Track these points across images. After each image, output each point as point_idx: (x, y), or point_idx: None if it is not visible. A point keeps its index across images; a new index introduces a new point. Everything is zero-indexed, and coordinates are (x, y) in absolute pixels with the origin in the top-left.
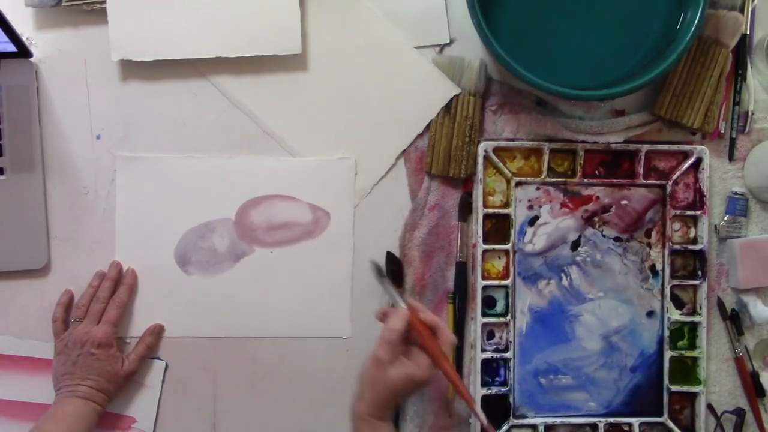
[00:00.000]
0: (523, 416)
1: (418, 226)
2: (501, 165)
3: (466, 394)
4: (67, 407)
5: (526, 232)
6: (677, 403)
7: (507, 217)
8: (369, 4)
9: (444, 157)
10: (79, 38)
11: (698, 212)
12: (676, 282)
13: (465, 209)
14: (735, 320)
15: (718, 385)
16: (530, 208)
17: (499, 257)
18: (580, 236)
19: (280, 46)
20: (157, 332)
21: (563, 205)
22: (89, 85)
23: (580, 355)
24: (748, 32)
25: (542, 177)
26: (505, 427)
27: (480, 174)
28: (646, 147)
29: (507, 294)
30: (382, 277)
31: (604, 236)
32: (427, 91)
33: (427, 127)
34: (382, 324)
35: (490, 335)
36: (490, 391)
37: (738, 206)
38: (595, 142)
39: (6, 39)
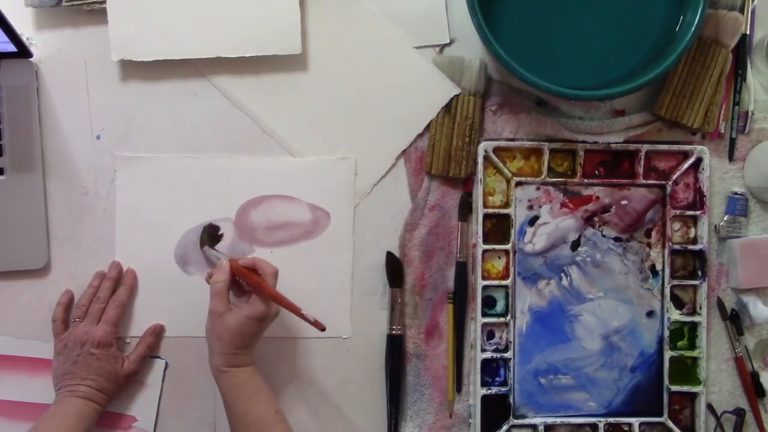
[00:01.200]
0: (523, 416)
1: (418, 226)
2: (501, 165)
3: (289, 304)
4: (67, 407)
5: (526, 232)
6: (677, 403)
7: (507, 217)
8: (369, 4)
9: (444, 157)
10: (79, 38)
11: (698, 212)
12: (676, 282)
13: (465, 209)
14: (735, 320)
15: (718, 385)
16: (530, 208)
17: (499, 257)
18: (580, 236)
19: (280, 46)
20: (157, 332)
21: (563, 205)
22: (89, 85)
23: (580, 355)
24: (748, 32)
25: (542, 177)
26: (505, 427)
27: (480, 174)
28: (646, 147)
29: (507, 294)
30: (202, 247)
31: (604, 236)
32: (427, 91)
33: (427, 127)
34: (263, 297)
35: (490, 335)
36: (490, 391)
37: (738, 206)
38: (595, 142)
39: (6, 39)
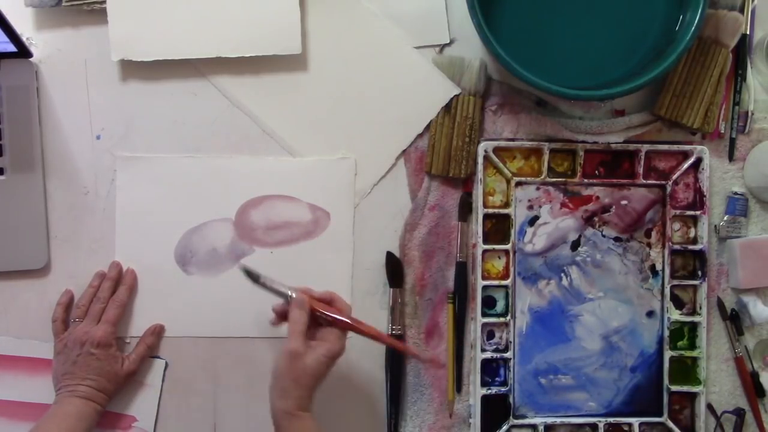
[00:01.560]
0: (523, 416)
1: (418, 226)
2: (501, 165)
3: (391, 341)
4: (68, 407)
5: (526, 232)
6: (677, 403)
7: (507, 217)
8: (369, 4)
9: (444, 157)
10: (79, 38)
11: (698, 212)
12: (676, 282)
13: (465, 209)
14: (735, 320)
15: (718, 385)
16: (530, 208)
17: (499, 257)
18: (580, 236)
19: (280, 46)
20: (157, 332)
21: (563, 205)
22: (89, 85)
23: (580, 355)
24: (748, 32)
25: (542, 177)
26: (505, 427)
27: (480, 174)
28: (646, 147)
29: (507, 294)
30: (258, 282)
31: (604, 236)
32: (427, 91)
33: (427, 127)
34: (292, 321)
35: (490, 335)
36: (490, 391)
37: (738, 206)
38: (595, 142)
39: (6, 39)
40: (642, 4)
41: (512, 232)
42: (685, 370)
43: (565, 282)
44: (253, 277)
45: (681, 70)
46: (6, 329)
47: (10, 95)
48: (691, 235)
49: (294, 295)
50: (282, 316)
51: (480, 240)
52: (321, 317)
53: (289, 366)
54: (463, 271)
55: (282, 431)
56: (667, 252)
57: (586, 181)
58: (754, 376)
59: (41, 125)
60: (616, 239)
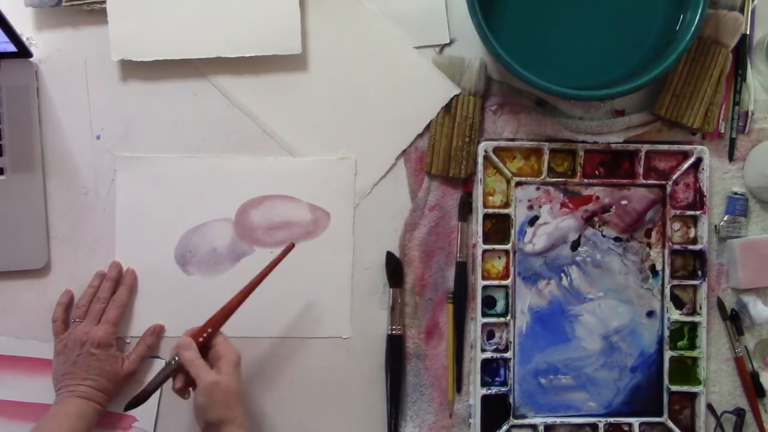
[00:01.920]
0: (523, 416)
1: (418, 226)
2: (501, 165)
3: (258, 279)
4: (68, 407)
5: (526, 232)
6: (677, 403)
7: (507, 217)
8: (369, 4)
9: (444, 157)
10: (79, 38)
11: (698, 212)
12: (676, 282)
13: (465, 209)
14: (735, 320)
15: (718, 385)
16: (530, 208)
17: (499, 257)
18: (580, 236)
19: (280, 46)
20: (157, 332)
21: (563, 205)
22: (89, 85)
23: (580, 355)
24: (748, 32)
25: (542, 177)
26: (505, 427)
27: (480, 174)
28: (646, 147)
29: (507, 294)
30: (148, 391)
31: (604, 236)
32: (427, 91)
33: (427, 127)
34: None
35: (490, 335)
36: (490, 391)
37: (738, 206)
38: (595, 142)
39: (6, 39)
40: (642, 4)
41: (512, 232)
42: (685, 370)
43: (565, 282)
44: (141, 398)
45: (681, 70)
46: (6, 329)
47: (10, 95)
48: (691, 235)
49: (176, 358)
50: (181, 386)
51: (480, 240)
52: (204, 338)
53: (213, 398)
54: (463, 271)
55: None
56: (667, 252)
57: (586, 181)
58: (754, 376)
59: (41, 125)
60: (616, 239)
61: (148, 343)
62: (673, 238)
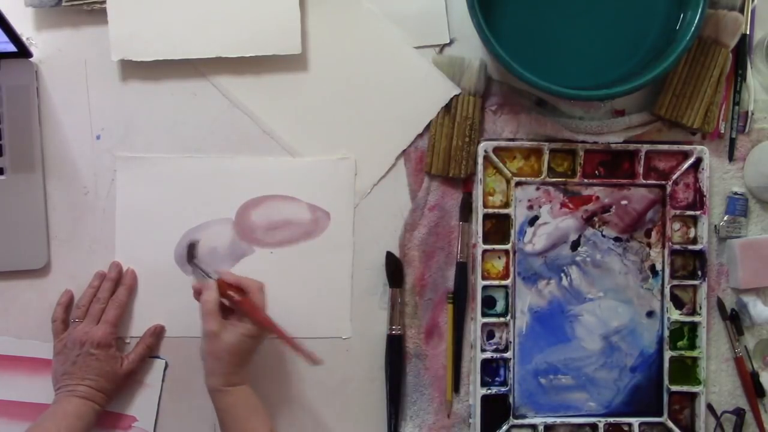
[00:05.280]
0: (523, 416)
1: (418, 226)
2: (501, 165)
3: (281, 333)
4: (67, 406)
5: (526, 232)
6: (677, 403)
7: (507, 217)
8: (369, 4)
9: (444, 157)
10: (79, 38)
11: (698, 212)
12: (676, 282)
13: (466, 210)
14: (735, 320)
15: (718, 385)
16: (530, 208)
17: (499, 257)
18: (580, 236)
19: (280, 46)
20: (157, 333)
21: (563, 205)
22: (89, 85)
23: (580, 355)
24: (748, 32)
25: (542, 177)
26: (505, 427)
27: (480, 174)
28: (646, 147)
29: (507, 294)
30: (191, 262)
31: (604, 236)
32: (427, 91)
33: (427, 127)
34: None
35: (490, 335)
36: (490, 391)
37: (738, 206)
38: (595, 142)
39: (6, 39)
40: (642, 4)
41: (512, 232)
42: (685, 370)
43: (565, 282)
44: (190, 255)
45: (681, 70)
46: (6, 329)
47: (10, 95)
48: (691, 235)
49: (211, 278)
50: (199, 293)
51: (480, 240)
52: (231, 295)
53: (208, 346)
54: (463, 271)
55: (216, 406)
56: (667, 252)
57: (586, 181)
58: (754, 376)
59: (41, 125)
60: (616, 239)
61: (148, 344)
62: (673, 238)
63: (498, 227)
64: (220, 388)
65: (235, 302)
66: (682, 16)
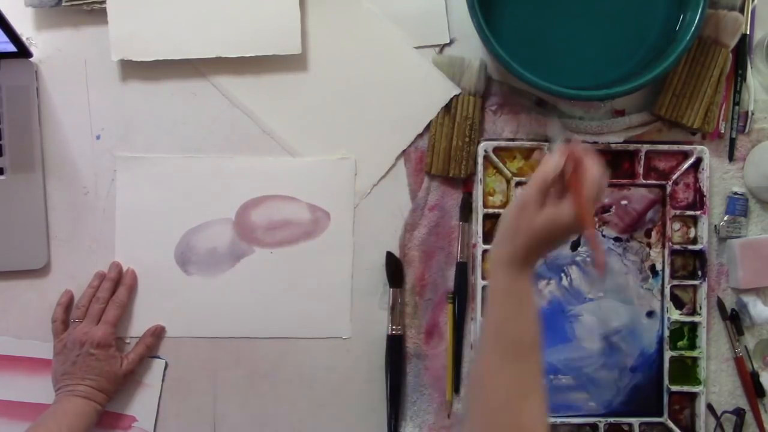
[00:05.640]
0: None
1: (418, 226)
2: (501, 165)
3: (594, 238)
4: (67, 405)
5: None
6: (677, 403)
7: None
8: (369, 4)
9: (444, 157)
10: (79, 38)
11: (698, 212)
12: (676, 282)
13: (466, 210)
14: (735, 320)
15: (718, 385)
16: None
17: None
18: (580, 236)
19: (280, 46)
20: (157, 333)
21: None
22: (89, 85)
23: (580, 355)
24: (748, 32)
25: None
26: None
27: (480, 174)
28: (646, 147)
29: None
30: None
31: (604, 236)
32: (427, 91)
33: (427, 127)
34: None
35: None
36: None
37: (738, 206)
38: (595, 142)
39: (6, 39)
40: (642, 4)
41: None
42: (685, 370)
43: (565, 282)
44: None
45: (681, 70)
46: (6, 329)
47: (10, 95)
48: (691, 235)
49: (559, 142)
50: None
51: (480, 240)
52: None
53: (514, 214)
54: (463, 271)
55: (490, 278)
56: (667, 252)
57: None
58: (754, 376)
59: (41, 125)
60: (616, 239)
61: (147, 344)
62: (673, 238)
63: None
64: (505, 266)
65: (568, 178)
66: (682, 16)
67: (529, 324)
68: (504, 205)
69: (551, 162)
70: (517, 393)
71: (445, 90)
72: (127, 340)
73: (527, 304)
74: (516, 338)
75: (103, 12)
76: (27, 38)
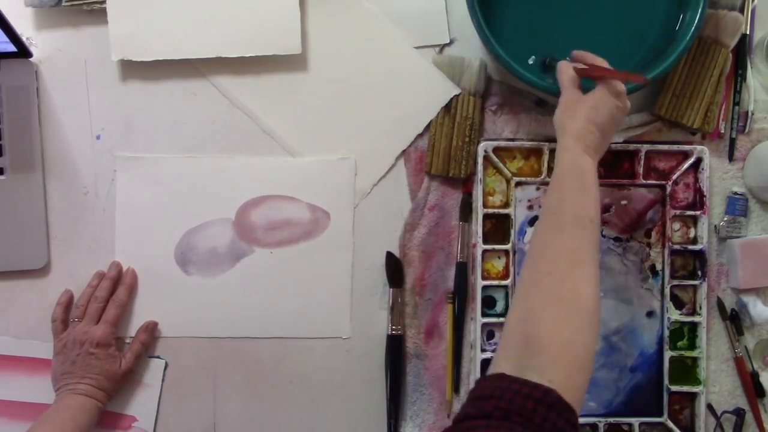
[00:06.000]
0: None
1: (418, 226)
2: (501, 165)
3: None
4: (69, 401)
5: (526, 232)
6: (677, 403)
7: (507, 217)
8: (369, 4)
9: (444, 157)
10: (79, 38)
11: (698, 212)
12: (676, 282)
13: (466, 210)
14: (735, 320)
15: (718, 385)
16: (530, 208)
17: (499, 257)
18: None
19: (280, 46)
20: (150, 329)
21: None
22: (89, 85)
23: None
24: (748, 32)
25: (542, 177)
26: None
27: (480, 174)
28: (646, 147)
29: (507, 294)
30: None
31: (604, 236)
32: (427, 91)
33: (427, 127)
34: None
35: (490, 335)
36: None
37: (738, 206)
38: None
39: (6, 39)
40: (642, 3)
41: (512, 232)
42: (685, 370)
43: None
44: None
45: (681, 70)
46: (6, 329)
47: (10, 95)
48: (691, 235)
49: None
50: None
51: (480, 240)
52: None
53: (562, 106)
54: (463, 271)
55: (559, 151)
56: (667, 252)
57: None
58: (754, 376)
59: (41, 125)
60: (616, 239)
61: (142, 340)
62: (673, 238)
63: (498, 227)
64: (574, 138)
65: (584, 70)
66: (682, 16)
67: (590, 201)
68: (504, 205)
69: (570, 69)
70: (576, 261)
71: (445, 90)
72: (127, 340)
73: (590, 184)
74: (577, 213)
75: (103, 12)
76: (27, 38)
